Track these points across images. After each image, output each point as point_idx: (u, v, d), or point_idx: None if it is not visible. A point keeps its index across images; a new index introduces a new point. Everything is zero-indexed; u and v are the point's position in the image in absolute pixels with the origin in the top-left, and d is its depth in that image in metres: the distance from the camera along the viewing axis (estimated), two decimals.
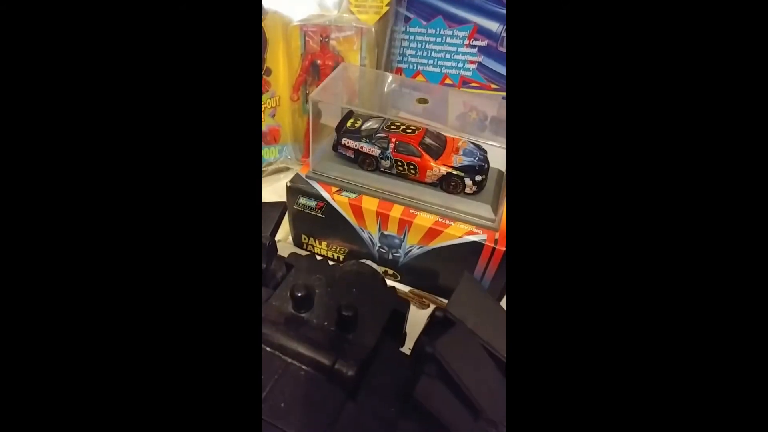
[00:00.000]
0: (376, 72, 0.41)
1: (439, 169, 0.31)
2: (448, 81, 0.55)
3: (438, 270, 0.33)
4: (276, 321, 0.19)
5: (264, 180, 0.45)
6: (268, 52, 0.41)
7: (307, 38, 0.40)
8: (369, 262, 0.25)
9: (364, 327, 0.20)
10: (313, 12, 0.39)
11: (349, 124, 0.33)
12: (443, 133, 0.33)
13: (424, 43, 0.52)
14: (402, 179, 0.33)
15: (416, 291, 0.35)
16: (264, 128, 0.44)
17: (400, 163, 0.32)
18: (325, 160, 0.34)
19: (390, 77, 0.39)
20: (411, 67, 0.55)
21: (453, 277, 0.33)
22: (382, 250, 0.33)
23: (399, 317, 0.21)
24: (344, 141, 0.32)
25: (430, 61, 0.54)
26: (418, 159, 0.32)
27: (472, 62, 0.52)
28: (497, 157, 0.32)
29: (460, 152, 0.32)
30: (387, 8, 0.40)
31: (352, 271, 0.23)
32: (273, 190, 0.45)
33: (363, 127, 0.33)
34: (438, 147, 0.32)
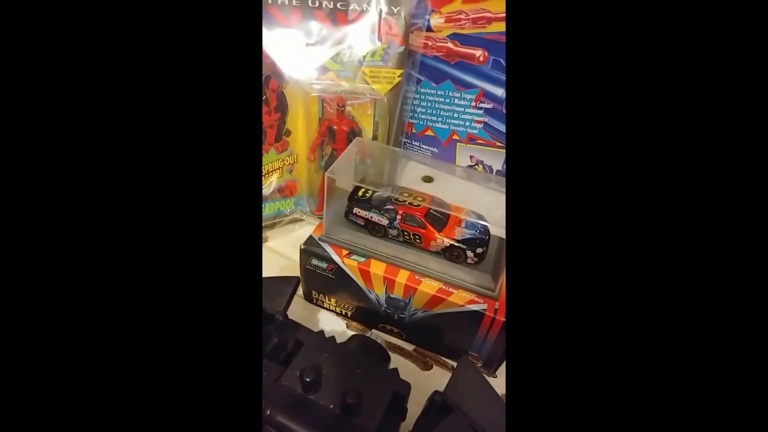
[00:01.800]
0: (385, 147, 0.43)
1: (442, 240, 0.32)
2: (455, 137, 0.57)
3: (442, 332, 0.34)
4: (285, 403, 0.20)
5: (280, 230, 0.47)
6: (288, 115, 0.43)
7: (324, 104, 0.42)
8: (374, 334, 0.26)
9: (368, 411, 0.21)
10: (330, 82, 0.42)
11: (360, 193, 0.35)
12: (447, 205, 0.34)
13: (433, 102, 0.55)
14: (408, 246, 0.34)
15: (420, 350, 0.36)
16: (282, 183, 0.46)
17: (406, 233, 0.33)
18: (337, 224, 0.35)
19: (398, 152, 0.40)
20: (421, 122, 0.57)
21: (456, 339, 0.34)
22: (389, 310, 0.34)
23: (401, 398, 0.22)
24: (355, 210, 0.34)
25: (439, 119, 0.56)
26: (423, 230, 0.33)
27: (478, 122, 0.54)
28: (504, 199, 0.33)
29: (463, 224, 0.33)
30: (399, 79, 0.43)
31: (358, 350, 0.24)
32: (287, 240, 0.46)
33: (373, 197, 0.34)
34: (442, 219, 0.33)
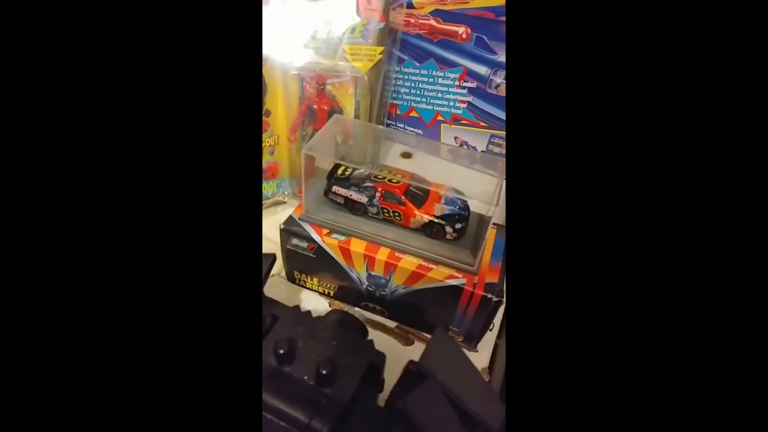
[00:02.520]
0: (366, 124, 0.42)
1: (422, 217, 0.32)
2: (439, 118, 0.56)
3: (422, 308, 0.34)
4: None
5: (263, 212, 0.46)
6: (267, 95, 0.42)
7: (304, 83, 0.41)
8: (353, 310, 0.26)
9: (342, 381, 0.21)
10: (310, 60, 0.41)
11: (339, 172, 0.34)
12: (427, 182, 0.34)
13: (417, 83, 0.54)
14: (388, 224, 0.34)
15: (402, 327, 0.36)
16: (263, 165, 0.45)
17: (386, 211, 0.33)
18: (317, 203, 0.35)
19: (380, 129, 0.40)
20: (405, 103, 0.57)
21: (436, 314, 0.34)
22: (370, 288, 0.34)
23: (376, 369, 0.22)
24: (335, 188, 0.33)
25: (423, 99, 0.55)
26: (403, 207, 0.32)
27: (462, 101, 0.53)
28: (484, 191, 0.33)
29: (442, 201, 0.33)
30: (380, 56, 0.42)
31: (334, 324, 0.24)
32: (270, 223, 0.45)
33: (353, 175, 0.34)
34: (421, 196, 0.33)
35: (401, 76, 0.53)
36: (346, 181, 0.33)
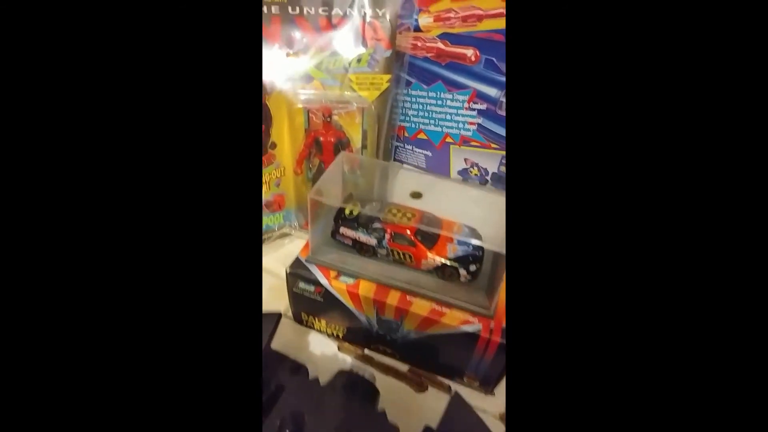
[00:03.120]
0: (372, 161, 0.41)
1: (434, 259, 0.31)
2: (449, 139, 0.54)
3: (436, 353, 0.32)
4: None
5: (268, 245, 0.45)
6: (273, 127, 0.41)
7: (310, 114, 0.40)
8: (364, 371, 0.24)
9: None
10: (316, 91, 0.40)
11: (347, 211, 0.33)
12: (438, 221, 0.33)
13: (425, 105, 0.52)
14: (399, 265, 0.32)
15: (415, 370, 0.34)
16: (269, 197, 0.44)
17: (396, 252, 0.31)
18: (324, 244, 0.34)
19: (388, 166, 0.38)
20: (413, 125, 0.55)
21: (451, 359, 0.32)
22: (381, 332, 0.33)
23: None
24: (342, 230, 0.32)
25: (431, 121, 0.54)
26: (414, 249, 0.31)
27: (472, 123, 0.52)
28: (498, 212, 0.31)
29: (455, 241, 0.31)
30: (387, 84, 0.40)
31: (343, 391, 0.22)
32: (277, 258, 0.45)
33: (360, 215, 0.32)
34: (433, 236, 0.31)
35: (409, 99, 0.51)
36: (354, 222, 0.32)
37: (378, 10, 0.37)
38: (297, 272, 0.32)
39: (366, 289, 0.31)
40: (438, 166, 0.57)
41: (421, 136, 0.56)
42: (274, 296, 0.39)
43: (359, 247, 0.32)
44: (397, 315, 0.31)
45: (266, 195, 0.43)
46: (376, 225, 0.31)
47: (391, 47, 0.39)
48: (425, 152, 0.56)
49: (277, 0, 0.35)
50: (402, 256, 0.31)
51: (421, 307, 0.30)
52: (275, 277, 0.41)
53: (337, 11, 0.36)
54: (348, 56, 0.38)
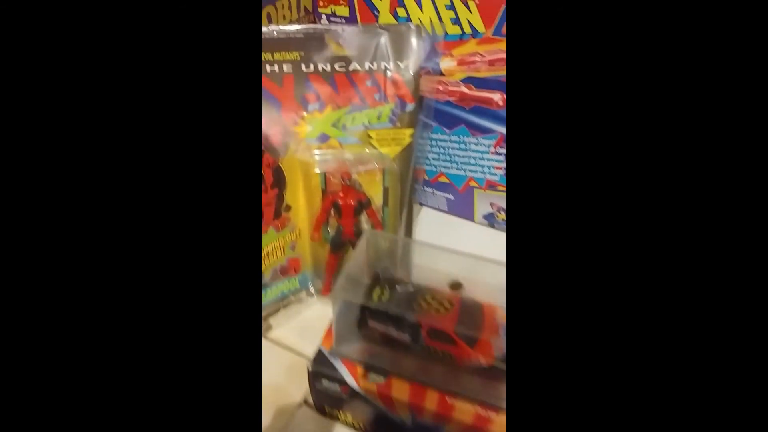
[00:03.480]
0: (405, 241, 0.37)
1: (478, 359, 0.27)
2: (473, 183, 0.51)
3: None
4: None
5: (284, 313, 0.41)
6: (287, 190, 0.38)
7: (328, 176, 0.37)
8: None
9: None
10: (333, 150, 0.37)
11: (374, 297, 0.29)
12: (479, 308, 0.28)
13: (446, 149, 0.49)
14: (437, 361, 0.28)
15: None
16: (284, 262, 0.41)
17: (434, 350, 0.28)
18: (349, 333, 0.30)
19: (418, 247, 0.34)
20: (434, 169, 0.52)
21: None
22: None
23: None
24: (370, 323, 0.28)
25: (454, 164, 0.50)
26: (454, 348, 0.27)
27: (498, 168, 0.48)
28: None
29: (501, 332, 0.28)
30: (410, 139, 0.37)
31: None
32: (292, 328, 0.41)
33: (390, 303, 0.28)
34: (475, 329, 0.27)
35: (429, 142, 0.48)
36: (384, 315, 0.28)
37: (400, 63, 0.34)
38: (320, 370, 0.28)
39: (400, 389, 0.27)
40: (461, 210, 0.53)
41: (443, 179, 0.52)
42: (293, 377, 0.35)
43: (390, 343, 0.28)
44: (436, 419, 0.27)
45: (281, 260, 0.40)
46: (410, 319, 0.27)
47: (414, 101, 0.35)
48: (447, 195, 0.53)
49: (289, 57, 0.32)
50: (441, 354, 0.27)
51: (464, 411, 0.26)
52: (293, 354, 0.38)
53: (355, 66, 0.33)
54: (367, 113, 0.35)
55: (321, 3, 0.43)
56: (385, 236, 0.35)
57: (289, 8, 0.41)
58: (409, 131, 0.36)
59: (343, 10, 0.43)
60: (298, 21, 0.44)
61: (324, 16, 0.45)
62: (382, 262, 0.30)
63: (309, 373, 0.28)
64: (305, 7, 0.44)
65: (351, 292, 0.27)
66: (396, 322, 0.27)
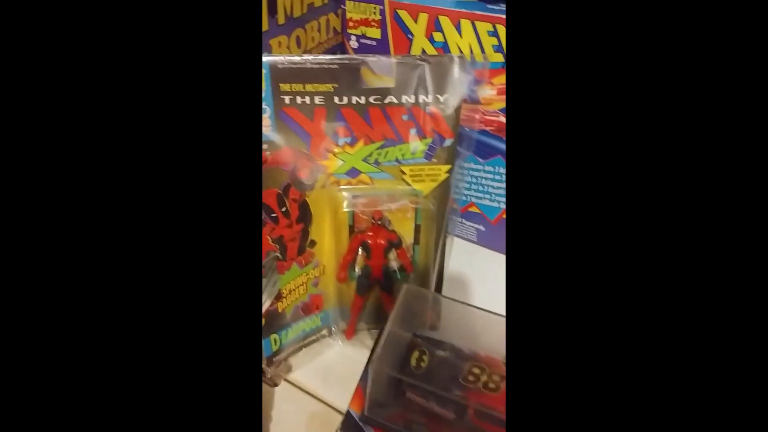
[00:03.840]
0: (445, 299, 0.34)
1: None
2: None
3: None
4: None
5: (305, 352, 0.39)
6: (312, 225, 0.36)
7: (356, 213, 0.35)
8: None
9: None
10: (363, 186, 0.34)
11: (413, 361, 0.26)
12: None
13: (479, 179, 0.46)
14: None
15: None
16: (306, 299, 0.38)
17: (481, 431, 0.25)
18: (384, 399, 0.27)
19: (459, 306, 0.31)
20: (465, 198, 0.49)
21: None
22: None
23: None
24: (409, 394, 0.26)
25: (487, 195, 0.47)
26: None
27: None
28: None
29: None
30: (446, 176, 0.35)
31: None
32: (314, 371, 0.38)
33: (430, 373, 0.26)
34: None
35: (461, 171, 0.46)
36: (424, 385, 0.25)
37: (440, 97, 0.31)
38: None
39: None
40: (491, 242, 0.50)
41: (473, 209, 0.50)
42: (316, 428, 0.33)
43: (431, 415, 0.26)
44: None
45: (303, 297, 0.38)
46: (455, 393, 0.24)
47: (453, 136, 0.33)
48: (477, 226, 0.50)
49: (321, 89, 0.30)
50: None
51: None
52: (315, 401, 0.35)
53: (391, 99, 0.31)
54: (402, 147, 0.32)
55: (351, 24, 0.41)
56: (424, 294, 0.32)
57: (318, 30, 0.39)
58: (445, 167, 0.33)
59: (375, 32, 0.41)
60: (327, 42, 0.41)
61: (354, 37, 0.43)
62: (420, 321, 0.27)
63: None
64: (334, 28, 0.42)
65: (389, 361, 0.24)
66: (439, 397, 0.24)
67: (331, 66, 0.29)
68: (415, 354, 0.26)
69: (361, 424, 0.26)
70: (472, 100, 0.39)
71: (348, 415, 0.27)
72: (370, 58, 0.30)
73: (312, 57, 0.29)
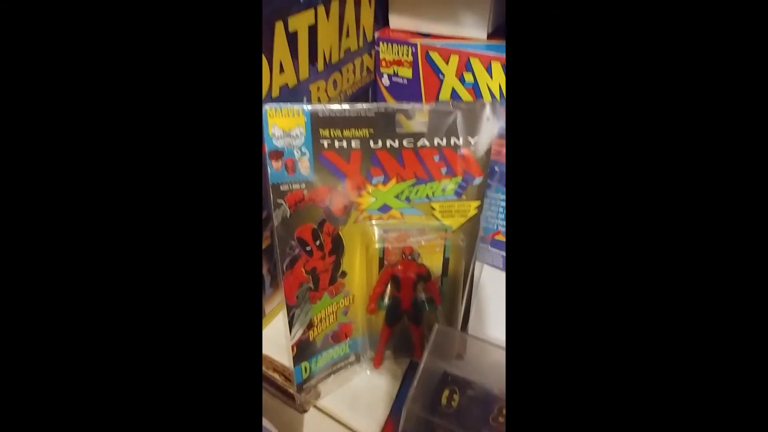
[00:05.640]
0: (476, 341, 0.34)
1: None
2: None
3: None
4: None
5: (333, 379, 0.41)
6: (344, 257, 0.38)
7: (386, 246, 0.36)
8: None
9: None
10: (394, 221, 0.36)
11: (444, 400, 0.28)
12: None
13: (505, 208, 0.47)
14: None
15: None
16: (335, 327, 0.40)
17: None
18: (412, 427, 0.28)
19: (489, 347, 0.32)
20: (490, 226, 0.50)
21: None
22: None
23: None
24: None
25: None
26: None
27: None
28: None
29: None
30: (476, 212, 0.36)
31: None
32: (342, 397, 0.39)
33: (460, 414, 0.26)
34: None
35: (487, 200, 0.47)
36: (456, 428, 0.26)
37: (470, 139, 0.32)
38: None
39: None
40: None
41: (499, 237, 0.50)
42: None
43: None
44: None
45: (333, 326, 0.39)
46: (492, 423, 0.25)
47: (482, 174, 0.34)
48: (503, 253, 0.51)
49: (358, 134, 0.32)
50: None
51: None
52: (342, 428, 0.37)
53: (423, 142, 0.32)
54: (432, 185, 0.34)
55: (384, 63, 0.43)
56: (455, 334, 0.33)
57: (353, 72, 0.41)
58: (475, 203, 0.35)
59: (406, 71, 0.43)
60: (361, 81, 0.44)
61: (386, 76, 0.45)
62: (449, 356, 0.28)
63: None
64: (367, 67, 0.44)
65: (421, 400, 0.25)
66: None
67: (368, 114, 0.31)
68: (446, 393, 0.27)
69: None
70: (501, 135, 0.40)
71: None
72: (405, 106, 0.31)
73: (350, 106, 0.31)
